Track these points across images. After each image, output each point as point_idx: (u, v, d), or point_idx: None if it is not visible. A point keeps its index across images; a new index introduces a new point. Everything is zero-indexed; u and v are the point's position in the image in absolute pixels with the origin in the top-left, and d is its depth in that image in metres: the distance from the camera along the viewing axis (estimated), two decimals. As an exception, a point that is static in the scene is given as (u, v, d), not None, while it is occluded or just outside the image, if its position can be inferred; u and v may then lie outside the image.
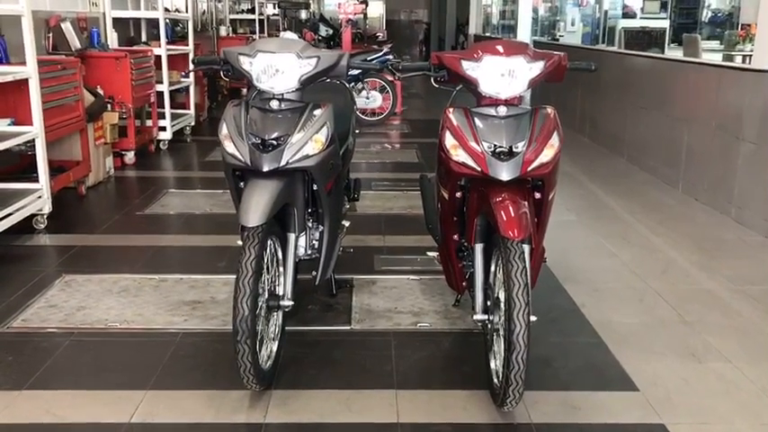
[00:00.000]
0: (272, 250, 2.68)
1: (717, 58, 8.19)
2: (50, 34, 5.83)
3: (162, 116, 7.24)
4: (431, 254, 3.23)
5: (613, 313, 3.36)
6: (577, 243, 4.43)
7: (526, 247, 2.38)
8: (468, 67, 2.57)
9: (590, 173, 6.33)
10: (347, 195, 3.62)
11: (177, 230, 4.65)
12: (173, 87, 7.58)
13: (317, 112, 2.68)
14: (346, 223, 3.47)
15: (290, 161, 2.56)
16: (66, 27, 5.93)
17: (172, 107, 7.60)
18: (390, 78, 8.91)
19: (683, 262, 4.09)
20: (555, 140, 2.53)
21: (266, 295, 2.58)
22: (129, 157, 6.47)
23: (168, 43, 8.06)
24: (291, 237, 2.72)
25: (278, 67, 2.63)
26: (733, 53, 8.16)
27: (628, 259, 4.11)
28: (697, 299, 3.55)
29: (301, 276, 3.09)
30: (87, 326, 3.14)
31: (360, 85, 8.85)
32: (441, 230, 2.92)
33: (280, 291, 2.71)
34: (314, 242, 3.03)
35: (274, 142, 2.56)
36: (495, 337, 2.51)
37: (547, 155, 2.49)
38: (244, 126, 2.60)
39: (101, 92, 5.93)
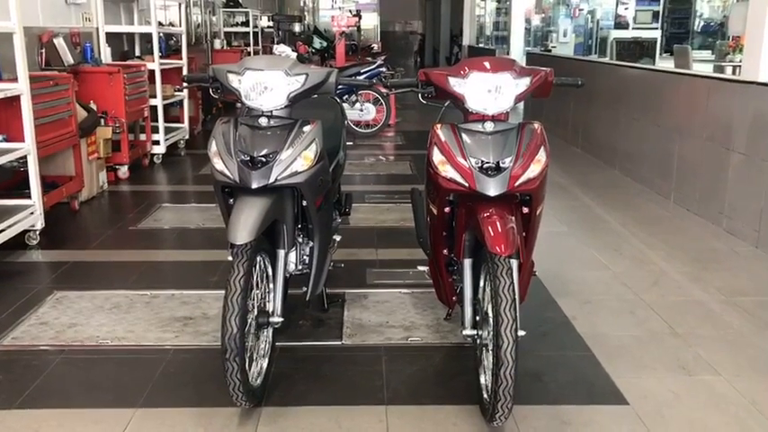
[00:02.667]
0: (262, 267, 2.68)
1: (708, 69, 8.27)
2: (43, 50, 5.85)
3: (156, 130, 7.26)
4: (421, 268, 3.24)
5: (604, 326, 3.37)
6: (569, 255, 4.44)
7: (514, 263, 2.39)
8: (455, 84, 2.59)
9: (582, 184, 6.36)
10: (338, 210, 3.64)
11: (170, 245, 4.65)
12: (166, 101, 7.60)
13: (306, 128, 2.70)
14: (337, 238, 3.48)
15: (279, 178, 2.57)
16: (59, 42, 5.95)
17: (166, 121, 7.62)
18: (384, 90, 8.95)
19: (674, 274, 4.10)
20: (542, 155, 2.54)
21: (256, 312, 2.59)
22: (123, 171, 6.48)
23: (162, 57, 8.09)
24: (281, 253, 2.73)
25: (266, 85, 2.65)
26: (724, 64, 8.24)
27: (619, 271, 4.12)
28: (688, 311, 3.56)
29: (293, 291, 3.10)
30: (78, 343, 3.14)
31: (353, 98, 8.89)
32: (430, 245, 2.93)
33: (270, 307, 2.71)
34: (304, 257, 3.04)
35: (263, 159, 2.58)
36: (484, 352, 2.52)
37: (534, 170, 2.50)
38: (233, 143, 2.62)
39: (94, 107, 5.94)
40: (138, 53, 8.08)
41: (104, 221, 5.25)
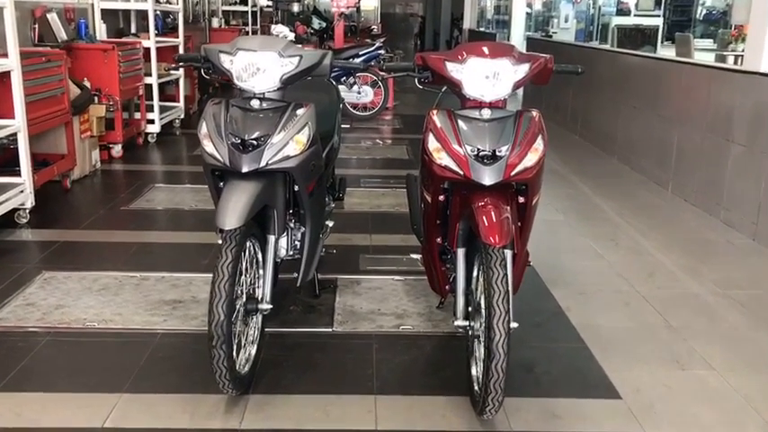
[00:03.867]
0: (252, 252, 2.63)
1: (710, 58, 8.18)
2: (36, 25, 5.75)
3: (151, 109, 7.17)
4: (414, 256, 3.21)
5: (599, 317, 3.34)
6: (565, 244, 4.40)
7: (508, 253, 2.35)
8: (453, 69, 2.52)
9: (580, 172, 6.30)
10: (332, 195, 3.58)
11: (161, 226, 4.60)
12: (162, 80, 7.51)
13: (299, 111, 2.63)
14: (330, 223, 3.43)
15: (270, 162, 2.52)
16: (53, 18, 5.85)
17: (161, 99, 7.55)
18: (382, 73, 8.85)
19: (670, 265, 4.06)
20: (539, 144, 2.49)
21: (244, 298, 2.54)
22: (117, 150, 6.40)
23: (159, 35, 7.99)
24: (271, 239, 2.68)
25: (259, 66, 2.59)
26: (726, 53, 8.15)
27: (615, 262, 4.08)
28: (684, 303, 3.53)
29: (284, 275, 3.06)
30: (65, 325, 3.09)
31: (351, 80, 8.79)
32: (424, 233, 2.88)
33: (259, 293, 2.66)
34: (296, 242, 2.99)
35: (254, 142, 2.52)
36: (475, 343, 2.48)
37: (531, 159, 2.45)
38: (223, 125, 2.56)
39: (87, 84, 5.85)
40: (133, 30, 7.98)
41: (96, 201, 5.18)
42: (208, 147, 2.56)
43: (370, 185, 5.65)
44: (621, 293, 3.63)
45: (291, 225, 2.95)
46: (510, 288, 2.27)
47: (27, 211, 4.46)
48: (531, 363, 2.87)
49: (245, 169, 2.47)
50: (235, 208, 2.38)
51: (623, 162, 6.66)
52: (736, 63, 6.94)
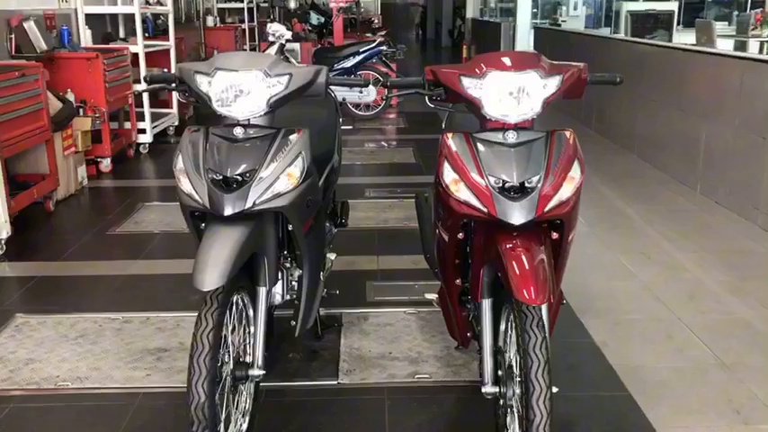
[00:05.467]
0: (240, 306, 2.25)
1: (729, 45, 7.73)
2: (12, 35, 5.36)
3: (141, 117, 6.78)
4: (429, 296, 2.80)
5: (640, 355, 2.94)
6: (592, 261, 3.99)
7: (544, 309, 1.95)
8: (470, 85, 2.12)
9: (600, 172, 5.88)
10: (333, 221, 3.18)
11: (148, 254, 4.20)
12: (152, 87, 7.09)
13: (291, 138, 2.23)
14: (332, 257, 3.02)
15: (258, 202, 2.12)
16: (30, 26, 5.46)
17: (154, 106, 7.15)
18: (385, 70, 8.44)
19: (711, 283, 3.66)
20: (576, 172, 2.09)
21: (231, 364, 2.15)
22: (105, 164, 6.02)
23: (149, 38, 7.60)
24: (262, 291, 2.28)
25: (242, 88, 2.19)
26: (746, 38, 7.70)
27: (649, 281, 3.68)
28: (733, 333, 3.13)
29: (281, 313, 2.66)
30: (34, 386, 2.71)
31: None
32: (440, 274, 2.48)
33: (249, 357, 2.27)
34: (293, 283, 2.60)
35: (239, 178, 2.12)
36: (508, 415, 2.08)
37: (567, 190, 2.04)
38: (202, 159, 2.17)
39: (71, 96, 5.47)
40: (122, 35, 7.59)
41: (80, 224, 4.80)
42: (184, 185, 2.17)
43: (376, 197, 5.25)
44: (661, 322, 3.23)
45: (287, 265, 2.55)
46: (549, 354, 1.88)
47: (2, 242, 4.09)
48: (570, 419, 2.48)
49: (227, 212, 2.08)
50: (216, 263, 1.98)
51: (644, 159, 6.25)
52: (761, 51, 6.51)
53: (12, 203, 4.29)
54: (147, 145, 6.83)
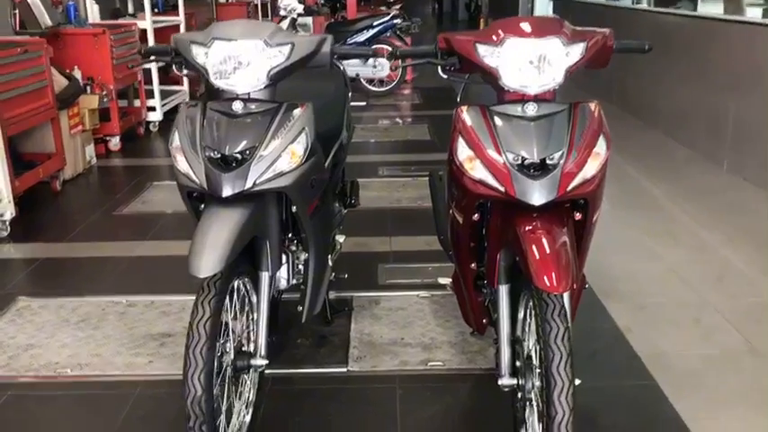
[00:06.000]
0: (242, 291, 2.12)
1: (757, 14, 7.42)
2: (16, 11, 5.23)
3: (151, 95, 6.65)
4: (443, 281, 2.65)
5: (666, 342, 2.78)
6: (615, 242, 3.81)
7: (566, 297, 1.80)
8: (486, 54, 1.95)
9: (622, 149, 5.65)
10: (342, 202, 3.03)
11: (155, 235, 4.07)
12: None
13: (294, 113, 2.08)
14: (341, 239, 2.88)
15: (259, 182, 1.97)
16: (34, 2, 5.32)
17: (164, 83, 7.01)
18: (399, 44, 8.23)
19: (741, 264, 3.48)
20: (601, 147, 1.92)
21: (232, 354, 2.03)
22: (114, 143, 5.91)
23: (159, 13, 7.47)
24: (264, 276, 2.14)
25: (240, 59, 2.04)
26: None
27: (676, 263, 3.51)
28: (766, 317, 2.96)
29: (289, 296, 2.53)
30: (32, 374, 2.61)
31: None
32: (455, 258, 2.34)
33: (251, 344, 2.14)
34: (299, 267, 2.46)
35: (238, 156, 1.98)
36: (527, 408, 1.94)
37: (591, 167, 1.88)
38: (199, 136, 2.03)
39: (77, 73, 5.35)
40: (131, 10, 7.45)
41: (87, 204, 4.70)
42: (181, 164, 2.03)
43: (389, 175, 5.09)
44: (689, 306, 3.07)
45: (293, 248, 2.42)
46: (572, 346, 1.73)
47: (7, 222, 3.99)
48: (593, 411, 2.33)
49: (226, 193, 1.94)
50: (213, 247, 1.84)
51: (668, 135, 6.02)
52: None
53: (17, 183, 4.19)
54: (156, 123, 6.71)
